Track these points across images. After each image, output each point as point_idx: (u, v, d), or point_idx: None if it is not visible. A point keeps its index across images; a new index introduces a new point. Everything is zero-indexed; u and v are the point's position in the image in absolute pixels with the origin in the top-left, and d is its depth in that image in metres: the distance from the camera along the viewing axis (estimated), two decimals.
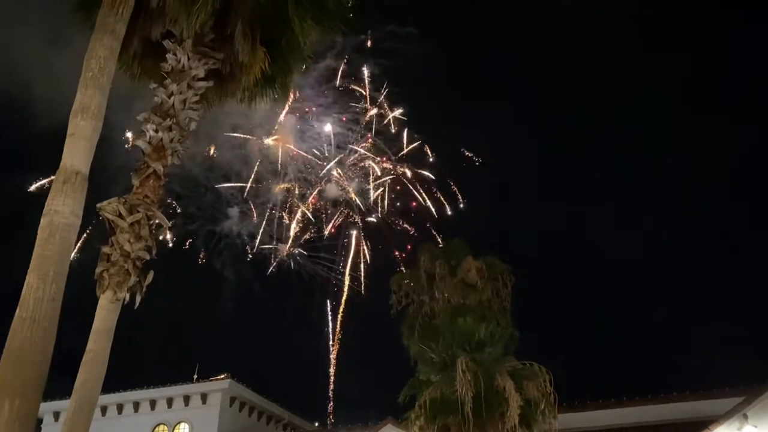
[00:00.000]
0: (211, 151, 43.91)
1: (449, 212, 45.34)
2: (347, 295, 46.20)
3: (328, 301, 46.22)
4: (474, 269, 20.88)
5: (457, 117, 50.50)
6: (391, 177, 45.94)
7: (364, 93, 45.33)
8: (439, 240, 41.51)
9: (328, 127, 45.38)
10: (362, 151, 45.55)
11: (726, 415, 19.32)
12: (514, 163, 53.83)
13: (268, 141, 43.94)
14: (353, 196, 45.64)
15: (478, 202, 50.95)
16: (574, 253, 49.88)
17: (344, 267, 46.02)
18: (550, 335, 41.94)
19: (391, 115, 45.41)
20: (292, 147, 44.41)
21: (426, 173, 45.31)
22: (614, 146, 53.90)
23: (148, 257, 9.33)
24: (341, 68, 45.00)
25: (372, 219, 45.93)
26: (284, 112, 41.87)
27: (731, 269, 50.01)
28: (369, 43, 43.96)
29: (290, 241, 45.34)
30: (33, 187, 39.49)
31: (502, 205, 53.18)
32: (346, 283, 44.90)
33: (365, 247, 45.42)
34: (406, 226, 45.77)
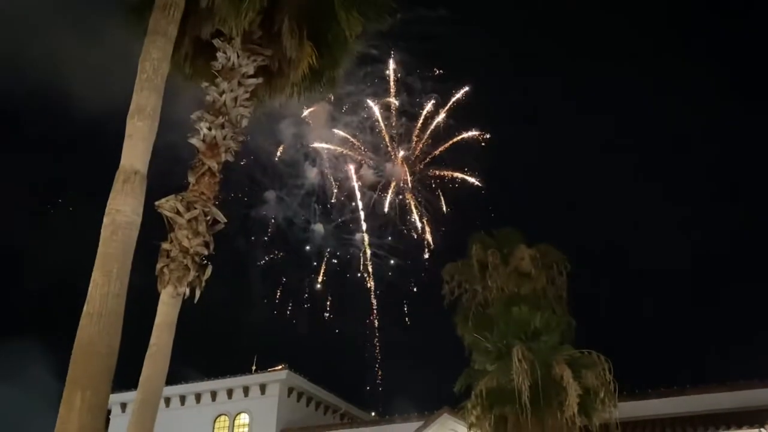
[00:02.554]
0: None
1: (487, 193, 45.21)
2: (399, 284, 46.48)
3: (374, 290, 46.56)
4: (527, 257, 20.63)
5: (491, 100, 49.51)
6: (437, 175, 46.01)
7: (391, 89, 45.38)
8: (479, 228, 41.39)
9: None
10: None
11: None
12: (567, 149, 52.75)
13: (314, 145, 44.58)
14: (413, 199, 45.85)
15: (532, 189, 50.27)
16: (633, 240, 48.60)
17: (398, 256, 46.43)
18: (610, 323, 41.09)
19: (444, 113, 45.29)
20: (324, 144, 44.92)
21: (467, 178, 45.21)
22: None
23: (206, 252, 9.57)
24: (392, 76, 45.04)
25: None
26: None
27: None
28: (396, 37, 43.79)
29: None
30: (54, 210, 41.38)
31: (559, 192, 52.19)
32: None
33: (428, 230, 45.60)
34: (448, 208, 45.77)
